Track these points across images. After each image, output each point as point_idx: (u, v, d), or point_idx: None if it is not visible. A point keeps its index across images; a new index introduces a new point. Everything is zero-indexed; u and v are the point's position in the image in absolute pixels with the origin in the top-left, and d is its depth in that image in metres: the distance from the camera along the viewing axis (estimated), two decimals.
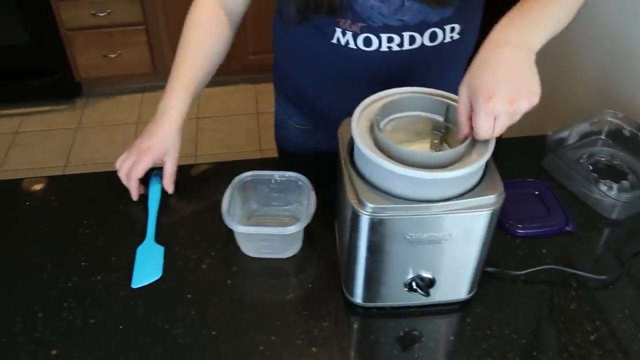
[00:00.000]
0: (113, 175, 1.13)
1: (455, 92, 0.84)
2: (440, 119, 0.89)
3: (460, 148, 0.80)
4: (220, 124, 3.18)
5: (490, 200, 0.81)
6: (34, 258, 1.05)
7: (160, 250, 1.05)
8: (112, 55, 3.18)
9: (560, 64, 2.01)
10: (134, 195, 1.13)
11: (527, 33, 0.81)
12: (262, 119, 3.19)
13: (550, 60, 2.08)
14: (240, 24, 1.19)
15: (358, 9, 1.01)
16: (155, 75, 3.27)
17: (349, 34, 1.05)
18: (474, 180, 0.82)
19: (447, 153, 0.79)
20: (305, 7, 1.02)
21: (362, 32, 1.04)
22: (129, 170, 1.10)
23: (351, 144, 0.88)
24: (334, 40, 1.07)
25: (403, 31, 1.04)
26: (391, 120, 0.89)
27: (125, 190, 1.13)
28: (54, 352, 0.90)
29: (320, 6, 1.00)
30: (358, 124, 0.84)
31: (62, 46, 3.10)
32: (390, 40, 1.05)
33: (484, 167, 0.83)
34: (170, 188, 1.12)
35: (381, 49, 1.06)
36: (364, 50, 1.06)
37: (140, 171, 1.10)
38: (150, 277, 1.01)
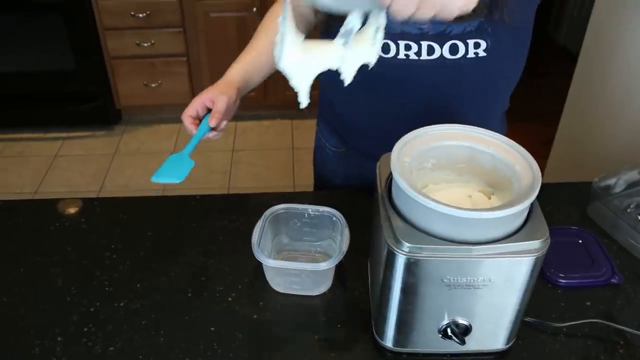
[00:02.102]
0: (143, 200, 1.12)
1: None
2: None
3: None
4: (255, 157, 3.18)
5: (535, 245, 0.77)
6: (58, 280, 1.03)
7: (190, 163, 1.05)
8: (153, 85, 3.23)
9: (607, 109, 1.96)
10: (189, 130, 1.13)
11: None
12: (297, 155, 3.18)
13: (598, 105, 2.03)
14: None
15: None
16: None
17: None
18: (518, 223, 0.78)
19: None
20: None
21: None
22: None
23: (389, 180, 0.85)
24: None
25: (421, 40, 1.03)
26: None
27: (154, 216, 1.11)
28: None
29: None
30: (398, 159, 0.81)
31: (105, 74, 3.17)
32: (407, 47, 1.04)
33: (528, 209, 0.79)
34: (213, 121, 1.11)
35: (399, 57, 1.05)
36: (381, 57, 1.04)
37: (190, 108, 1.12)
38: (170, 178, 1.01)
